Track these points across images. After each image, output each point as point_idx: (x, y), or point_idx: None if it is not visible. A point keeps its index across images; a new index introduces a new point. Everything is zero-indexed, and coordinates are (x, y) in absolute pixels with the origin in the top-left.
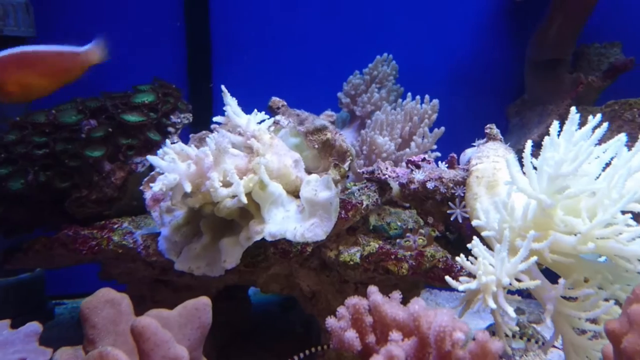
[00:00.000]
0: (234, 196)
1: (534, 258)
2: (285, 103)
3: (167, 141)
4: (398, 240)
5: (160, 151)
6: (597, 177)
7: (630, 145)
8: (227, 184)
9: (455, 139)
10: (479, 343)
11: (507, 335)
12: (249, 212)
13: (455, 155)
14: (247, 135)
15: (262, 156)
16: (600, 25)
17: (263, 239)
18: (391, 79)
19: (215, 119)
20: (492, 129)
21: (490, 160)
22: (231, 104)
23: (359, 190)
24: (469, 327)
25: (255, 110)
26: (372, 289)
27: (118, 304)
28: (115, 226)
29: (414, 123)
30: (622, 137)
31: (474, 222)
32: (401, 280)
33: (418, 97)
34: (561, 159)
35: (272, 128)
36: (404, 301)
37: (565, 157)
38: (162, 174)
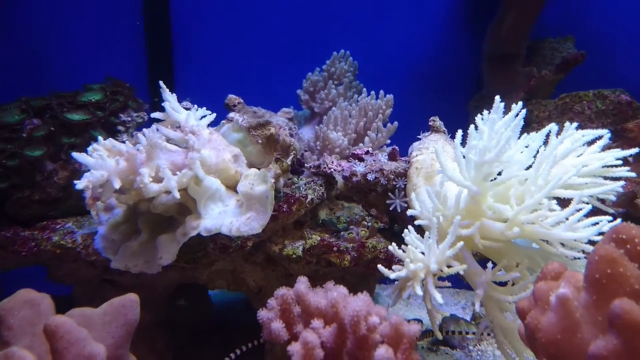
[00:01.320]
0: (169, 192)
1: (460, 243)
2: (242, 100)
3: (100, 138)
4: (342, 233)
5: (90, 148)
6: (530, 166)
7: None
8: (159, 180)
9: (417, 135)
10: (392, 326)
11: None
12: (188, 208)
13: (397, 148)
14: (186, 131)
15: (197, 151)
16: (555, 20)
17: (200, 235)
18: (349, 75)
19: (153, 115)
20: (435, 121)
21: (429, 152)
22: (170, 100)
23: (305, 184)
24: (386, 312)
25: (195, 106)
26: (301, 279)
27: (37, 305)
28: (58, 226)
29: (368, 118)
30: (569, 127)
31: (409, 211)
32: (347, 272)
33: (373, 92)
34: (485, 146)
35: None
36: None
37: (489, 144)
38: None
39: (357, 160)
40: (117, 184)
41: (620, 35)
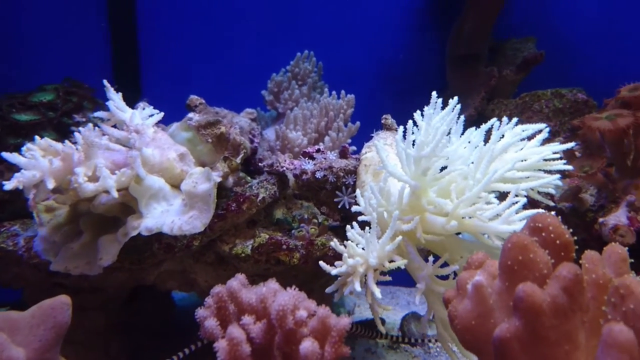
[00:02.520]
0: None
1: (399, 238)
2: (204, 101)
3: (36, 137)
4: (292, 231)
5: (24, 147)
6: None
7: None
8: (98, 180)
9: None
10: (319, 319)
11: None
12: (132, 208)
13: (347, 146)
14: (130, 130)
15: (138, 150)
16: (519, 21)
17: (141, 234)
18: (313, 75)
19: (96, 114)
20: (387, 119)
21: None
22: (114, 98)
23: (257, 183)
24: (315, 305)
25: (141, 105)
26: (238, 276)
27: None
28: (2, 229)
29: (330, 118)
30: (504, 122)
31: (353, 208)
32: (301, 270)
33: (334, 92)
34: (422, 141)
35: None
36: (307, 292)
37: (426, 139)
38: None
39: (307, 159)
40: (51, 184)
41: (579, 36)
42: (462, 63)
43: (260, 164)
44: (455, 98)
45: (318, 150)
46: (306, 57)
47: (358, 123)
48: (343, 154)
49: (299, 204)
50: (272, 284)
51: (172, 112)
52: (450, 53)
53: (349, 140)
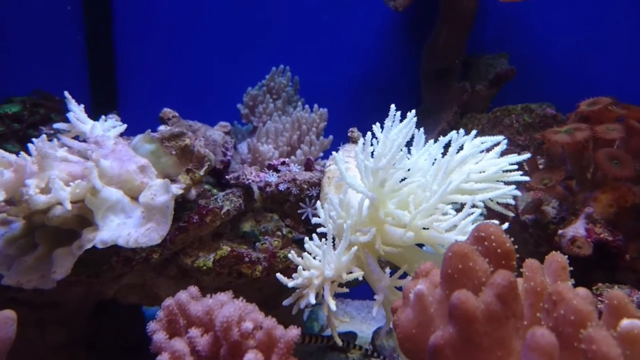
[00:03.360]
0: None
1: (354, 249)
2: (177, 114)
3: None
4: (256, 244)
5: None
6: None
7: (509, 148)
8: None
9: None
10: (265, 331)
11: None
12: (89, 220)
13: (312, 159)
14: (90, 142)
15: (95, 161)
16: (492, 37)
17: (96, 247)
18: (288, 89)
19: (55, 125)
20: (354, 132)
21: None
22: (75, 110)
23: (223, 196)
24: (263, 317)
25: (103, 117)
26: (190, 289)
27: None
28: None
29: (302, 131)
30: (473, 137)
31: (313, 220)
32: (266, 283)
33: (307, 106)
34: (379, 153)
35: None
36: (274, 305)
37: (383, 151)
38: None
39: (272, 171)
40: (2, 196)
41: (551, 52)
42: (435, 78)
43: (226, 176)
44: (413, 111)
45: (283, 163)
46: (281, 72)
47: (331, 137)
48: (308, 167)
49: (269, 217)
50: (221, 296)
51: (150, 125)
52: (424, 68)
53: (322, 154)
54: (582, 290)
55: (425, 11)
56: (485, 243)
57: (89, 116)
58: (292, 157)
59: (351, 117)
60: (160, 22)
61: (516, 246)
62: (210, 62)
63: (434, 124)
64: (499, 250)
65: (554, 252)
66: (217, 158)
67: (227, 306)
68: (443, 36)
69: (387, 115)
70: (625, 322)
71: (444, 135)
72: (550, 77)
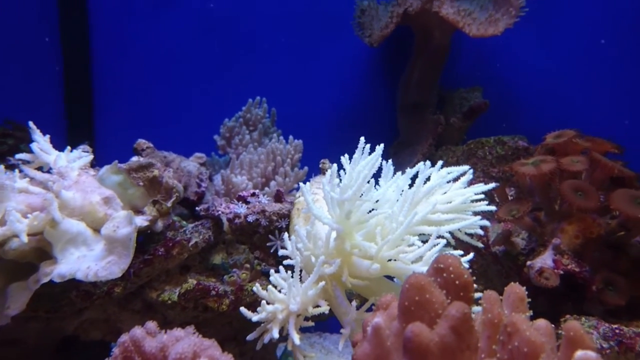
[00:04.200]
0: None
1: (322, 283)
2: (152, 145)
3: None
4: (224, 277)
5: None
6: None
7: (482, 179)
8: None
9: None
10: None
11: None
12: (48, 253)
13: (282, 190)
14: (53, 173)
15: (55, 192)
16: (467, 72)
17: (53, 281)
18: (265, 121)
19: (18, 156)
20: (325, 163)
21: (311, 192)
22: (39, 140)
23: (192, 227)
24: (220, 353)
25: (69, 147)
26: (147, 324)
27: None
28: None
29: (277, 163)
30: (439, 167)
31: (280, 252)
32: (235, 318)
33: (282, 138)
34: (345, 184)
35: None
36: (243, 340)
37: (349, 182)
38: None
39: (242, 203)
40: None
41: (523, 86)
42: (411, 111)
43: (196, 208)
44: (381, 145)
45: (253, 195)
46: (258, 104)
47: (306, 168)
48: (278, 198)
49: (241, 249)
50: (177, 332)
51: (127, 155)
52: (400, 101)
53: (296, 185)
54: (541, 322)
55: (401, 46)
56: (444, 274)
57: (65, 147)
58: (267, 188)
59: (329, 149)
60: (138, 54)
61: (474, 277)
62: (188, 93)
63: (411, 155)
64: (457, 282)
65: (512, 283)
66: (191, 189)
67: (181, 342)
68: (417, 71)
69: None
70: (579, 354)
71: None
72: (523, 110)
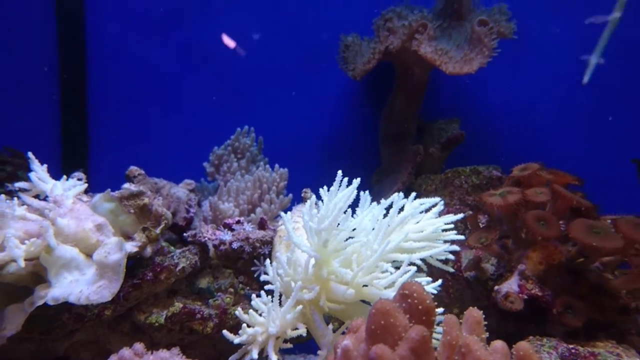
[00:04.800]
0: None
1: (299, 307)
2: (143, 172)
3: None
4: (209, 301)
5: None
6: None
7: (458, 207)
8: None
9: None
10: None
11: None
12: (43, 277)
13: (265, 218)
14: (50, 201)
15: (51, 220)
16: (446, 104)
17: (47, 304)
18: (252, 149)
19: (17, 184)
20: (307, 192)
21: (292, 221)
22: (37, 169)
23: (180, 253)
24: None
25: (65, 177)
26: (135, 346)
27: None
28: None
29: (263, 190)
30: (413, 198)
31: (262, 277)
32: (219, 340)
33: (268, 166)
34: (322, 215)
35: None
36: None
37: (326, 213)
38: None
39: (227, 230)
40: None
41: (499, 118)
42: (392, 141)
43: (184, 234)
44: (358, 179)
45: (238, 222)
46: (246, 133)
47: (290, 195)
48: (261, 226)
49: (227, 273)
50: (162, 353)
51: (120, 182)
52: (382, 132)
53: (282, 212)
54: (497, 343)
55: (384, 79)
56: (409, 300)
57: (60, 173)
58: (252, 214)
59: (315, 177)
60: (132, 85)
61: (448, 301)
62: (180, 122)
63: (392, 182)
64: (420, 307)
65: (471, 307)
66: (180, 214)
67: (158, 355)
68: (398, 104)
69: (350, 175)
70: None
71: None
72: (498, 141)
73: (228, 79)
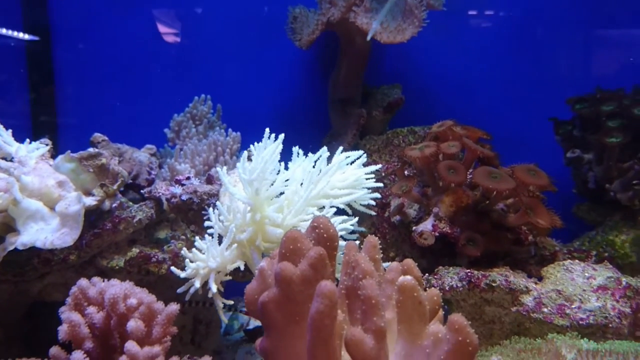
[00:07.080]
0: None
1: (234, 245)
2: (107, 138)
3: None
4: (164, 247)
5: None
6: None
7: (396, 163)
8: None
9: None
10: (146, 305)
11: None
12: (13, 227)
13: (212, 174)
14: (15, 161)
15: (16, 177)
16: (388, 71)
17: (17, 249)
18: (210, 116)
19: None
20: (250, 151)
21: (235, 175)
22: (2, 134)
23: (137, 207)
24: (147, 295)
25: (28, 140)
26: (93, 278)
27: None
28: None
29: (218, 153)
30: (340, 152)
31: (205, 223)
32: (176, 281)
33: (223, 131)
34: (252, 167)
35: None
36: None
37: (256, 166)
38: None
39: (178, 185)
40: None
41: (438, 83)
42: (339, 106)
43: (141, 190)
44: (282, 136)
45: (187, 178)
46: (203, 101)
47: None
48: (209, 181)
49: (184, 226)
50: (113, 281)
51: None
52: (330, 98)
53: (218, 168)
54: (393, 264)
55: (330, 48)
56: (317, 230)
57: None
58: (208, 174)
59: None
60: (98, 57)
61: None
62: (143, 92)
63: (339, 144)
64: (325, 235)
65: (369, 235)
66: (142, 177)
67: (115, 286)
68: (343, 71)
69: (301, 138)
70: (401, 278)
71: None
72: (436, 104)
73: (188, 50)
